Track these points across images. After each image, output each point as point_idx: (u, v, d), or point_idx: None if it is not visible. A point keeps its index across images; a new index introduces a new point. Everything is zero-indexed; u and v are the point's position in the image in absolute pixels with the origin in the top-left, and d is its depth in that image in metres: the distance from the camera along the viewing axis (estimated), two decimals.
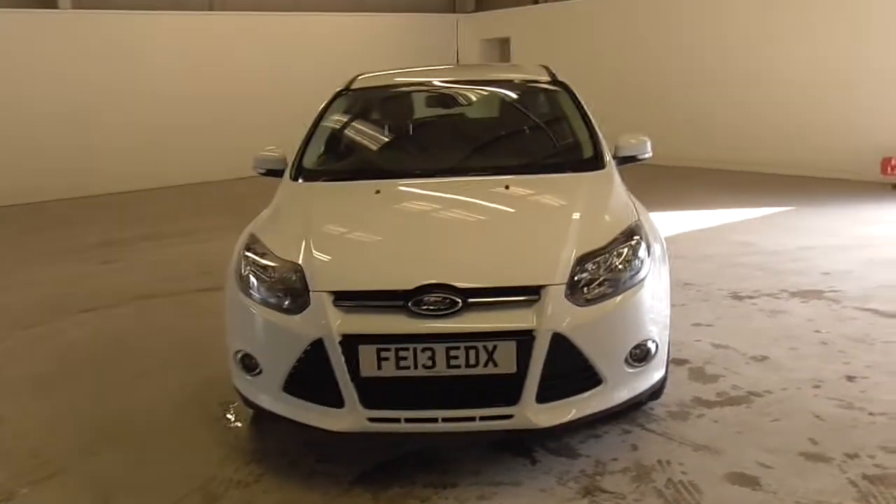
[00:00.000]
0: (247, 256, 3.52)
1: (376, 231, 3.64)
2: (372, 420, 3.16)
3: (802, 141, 10.56)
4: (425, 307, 3.09)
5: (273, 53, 13.21)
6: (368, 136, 4.71)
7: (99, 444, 3.81)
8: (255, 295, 3.39)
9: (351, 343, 3.09)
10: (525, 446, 3.55)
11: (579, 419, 3.25)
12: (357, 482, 3.34)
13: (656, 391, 3.68)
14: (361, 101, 4.90)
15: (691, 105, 11.80)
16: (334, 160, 4.57)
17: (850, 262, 6.46)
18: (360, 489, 3.29)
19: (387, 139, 4.75)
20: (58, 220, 10.03)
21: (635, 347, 3.32)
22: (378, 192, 3.87)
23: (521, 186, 3.90)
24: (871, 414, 3.75)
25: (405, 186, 3.99)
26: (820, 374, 4.22)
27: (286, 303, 3.29)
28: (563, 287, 3.16)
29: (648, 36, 12.30)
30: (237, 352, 3.47)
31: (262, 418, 3.87)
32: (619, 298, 3.27)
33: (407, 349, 3.07)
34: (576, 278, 3.21)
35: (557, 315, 3.10)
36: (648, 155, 4.47)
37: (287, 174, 4.27)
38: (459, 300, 3.09)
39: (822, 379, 4.17)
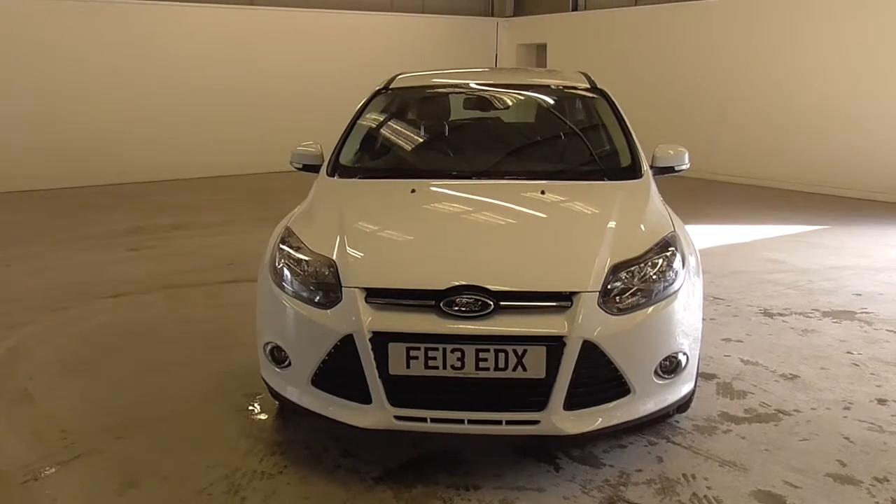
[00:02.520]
0: (281, 249, 3.53)
1: (410, 230, 3.64)
2: (398, 418, 3.16)
3: (834, 160, 10.45)
4: (457, 308, 3.08)
5: (306, 50, 13.30)
6: (405, 135, 4.71)
7: (126, 428, 3.84)
8: (288, 288, 3.40)
9: (381, 340, 3.09)
10: (547, 452, 3.53)
11: (605, 428, 3.23)
12: (381, 479, 3.34)
13: (684, 404, 3.66)
14: (399, 100, 4.91)
15: (723, 118, 11.72)
16: (371, 158, 4.57)
17: (882, 284, 6.38)
18: (383, 487, 3.29)
19: (423, 139, 4.75)
20: (86, 207, 10.13)
21: (665, 359, 3.29)
22: (413, 191, 3.87)
23: (556, 192, 3.88)
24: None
25: (441, 187, 3.98)
26: (851, 396, 4.17)
27: (318, 297, 3.30)
28: (597, 295, 3.14)
29: (682, 49, 12.24)
30: (267, 343, 3.48)
31: (287, 411, 3.89)
32: (651, 309, 3.24)
33: (436, 349, 3.07)
34: (609, 287, 3.19)
35: (589, 322, 3.08)
36: (686, 166, 4.44)
37: (323, 170, 4.30)
38: (491, 302, 3.08)
39: (852, 401, 4.11)
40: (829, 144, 10.49)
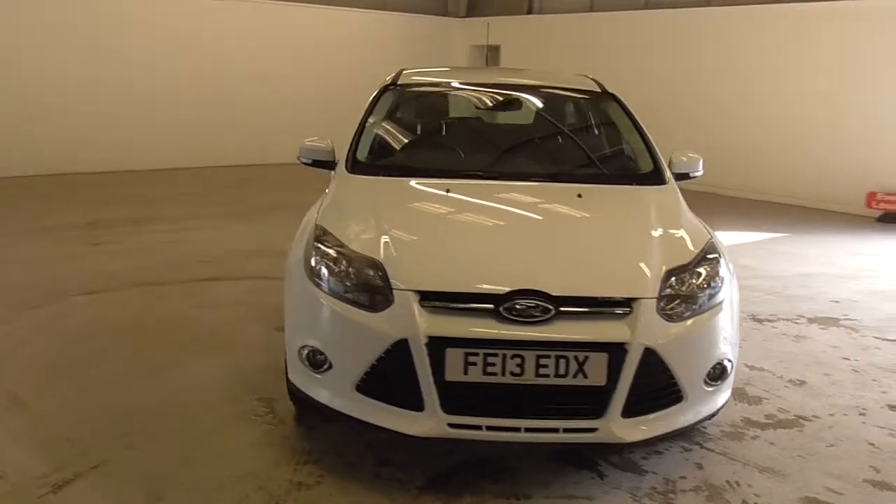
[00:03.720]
0: (318, 248, 3.37)
1: (458, 232, 3.52)
2: (452, 426, 3.05)
3: (795, 172, 10.76)
4: (517, 313, 3.00)
5: (266, 43, 13.04)
6: (425, 133, 4.60)
7: (135, 436, 3.61)
8: (329, 289, 3.24)
9: (438, 345, 2.98)
10: (586, 459, 3.49)
11: (660, 436, 3.20)
12: (426, 489, 3.23)
13: (715, 411, 3.66)
14: (412, 97, 4.79)
15: (683, 127, 11.92)
16: (392, 156, 4.44)
17: (853, 291, 6.58)
18: (429, 497, 3.18)
19: (443, 138, 4.65)
20: (37, 197, 9.64)
21: (713, 366, 3.29)
22: (448, 191, 3.77)
23: (593, 196, 3.84)
24: None
25: (475, 188, 3.89)
26: (861, 402, 4.26)
27: (363, 299, 3.16)
28: (655, 301, 3.10)
29: (640, 56, 12.39)
30: (302, 347, 3.31)
31: (309, 417, 3.74)
32: (705, 315, 3.23)
33: (496, 355, 2.98)
34: (664, 293, 3.16)
35: (650, 329, 3.04)
36: (700, 173, 4.46)
37: (342, 166, 4.13)
38: (552, 308, 3.01)
39: (865, 407, 4.20)
40: (791, 158, 10.80)
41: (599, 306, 3.07)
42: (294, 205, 9.76)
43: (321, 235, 3.44)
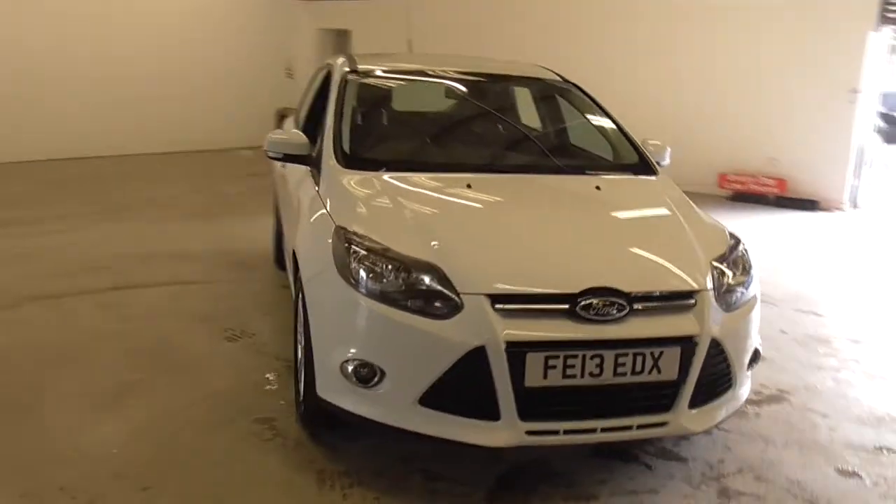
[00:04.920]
0: (355, 252, 3.09)
1: (507, 229, 3.34)
2: (530, 433, 2.93)
3: None
4: (594, 312, 2.92)
5: (107, 20, 11.97)
6: (414, 124, 4.36)
7: (143, 478, 3.15)
8: (378, 297, 2.99)
9: (517, 351, 2.84)
10: (626, 452, 3.48)
11: (719, 423, 3.26)
12: (490, 500, 3.09)
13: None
14: (382, 86, 4.53)
15: None
16: (384, 148, 4.17)
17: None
18: None
19: (436, 130, 4.43)
20: None
21: (753, 352, 3.39)
22: (469, 186, 3.60)
23: (609, 188, 3.82)
24: None
25: (493, 182, 3.73)
26: (822, 370, 4.58)
27: (420, 306, 2.94)
28: (713, 292, 3.14)
29: (497, 42, 12.56)
30: (346, 361, 3.04)
31: (324, 434, 3.46)
32: (749, 303, 3.32)
33: (576, 356, 2.89)
34: (715, 284, 3.21)
35: (714, 320, 3.07)
36: (667, 162, 4.57)
37: (333, 162, 3.81)
38: (626, 305, 2.96)
39: (833, 374, 4.52)
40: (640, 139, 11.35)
41: (668, 300, 3.06)
42: (162, 200, 9.14)
43: (353, 238, 3.16)
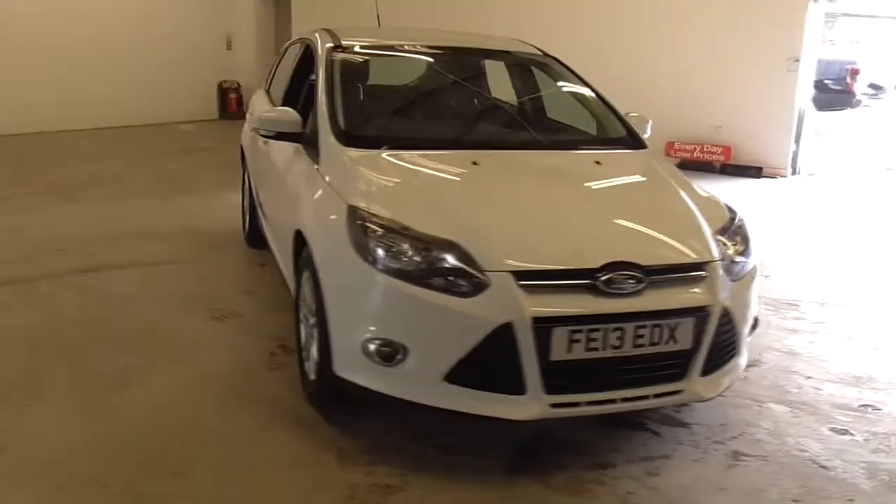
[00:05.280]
0: (373, 231, 3.08)
1: (523, 206, 3.37)
2: (554, 406, 3.01)
3: None
4: (615, 286, 3.00)
5: None
6: (407, 100, 4.35)
7: (172, 463, 3.11)
8: (400, 276, 3.00)
9: (543, 326, 2.90)
10: (631, 420, 3.59)
11: (726, 389, 3.39)
12: (511, 470, 3.17)
13: None
14: (368, 61, 4.49)
15: None
16: (381, 125, 4.15)
17: None
18: (524, 479, 3.11)
19: (430, 105, 4.42)
20: None
21: (754, 320, 3.53)
22: (475, 163, 3.62)
23: (609, 162, 3.89)
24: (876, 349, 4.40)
25: (497, 158, 3.76)
26: (796, 333, 4.79)
27: (442, 283, 2.97)
28: (721, 262, 3.25)
29: (450, 8, 12.44)
30: (369, 339, 3.05)
31: (336, 414, 3.48)
32: (751, 272, 3.44)
33: (598, 330, 2.97)
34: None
35: (724, 290, 3.19)
36: (648, 135, 4.65)
37: (331, 139, 3.77)
38: (644, 278, 3.05)
39: (807, 336, 4.74)
40: None
41: (681, 272, 3.16)
42: (107, 178, 8.86)
43: (369, 216, 3.16)
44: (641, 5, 11.02)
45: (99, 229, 6.57)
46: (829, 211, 8.82)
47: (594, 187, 3.72)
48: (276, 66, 5.80)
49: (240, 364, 4.05)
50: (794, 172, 10.67)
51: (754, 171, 10.48)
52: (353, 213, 3.20)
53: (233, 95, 14.34)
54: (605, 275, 2.99)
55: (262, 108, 5.50)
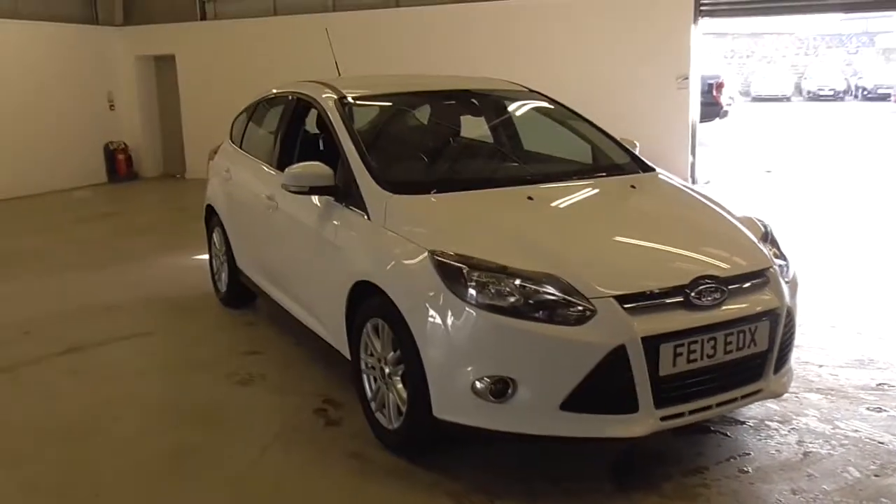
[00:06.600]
0: (469, 272, 3.16)
1: (598, 234, 3.55)
2: (663, 419, 3.17)
3: None
4: (707, 298, 3.21)
5: None
6: (437, 146, 4.41)
7: None
8: (505, 312, 3.09)
9: (651, 344, 3.07)
10: (696, 426, 3.77)
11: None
12: (623, 488, 3.30)
13: None
14: (384, 110, 4.54)
15: None
16: (421, 170, 4.22)
17: None
18: (638, 494, 3.24)
19: (461, 148, 4.53)
20: None
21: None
22: (530, 198, 3.76)
23: (642, 186, 4.12)
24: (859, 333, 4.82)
25: (547, 192, 3.90)
26: None
27: (546, 315, 3.08)
28: (776, 268, 3.53)
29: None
30: (479, 378, 3.12)
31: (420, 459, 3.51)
32: (795, 276, 3.74)
33: (696, 342, 3.17)
34: None
35: (786, 293, 3.47)
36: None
37: (375, 187, 3.80)
38: (725, 288, 3.27)
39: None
40: None
41: (751, 279, 3.41)
42: (31, 252, 8.33)
43: (460, 259, 3.23)
44: (534, 35, 11.52)
45: (54, 307, 6.20)
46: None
47: (645, 209, 3.96)
48: (248, 123, 5.72)
49: (294, 426, 3.96)
50: (693, 182, 11.41)
51: None
52: (442, 257, 3.26)
53: (121, 156, 13.72)
54: (694, 289, 3.20)
55: (245, 166, 5.43)
